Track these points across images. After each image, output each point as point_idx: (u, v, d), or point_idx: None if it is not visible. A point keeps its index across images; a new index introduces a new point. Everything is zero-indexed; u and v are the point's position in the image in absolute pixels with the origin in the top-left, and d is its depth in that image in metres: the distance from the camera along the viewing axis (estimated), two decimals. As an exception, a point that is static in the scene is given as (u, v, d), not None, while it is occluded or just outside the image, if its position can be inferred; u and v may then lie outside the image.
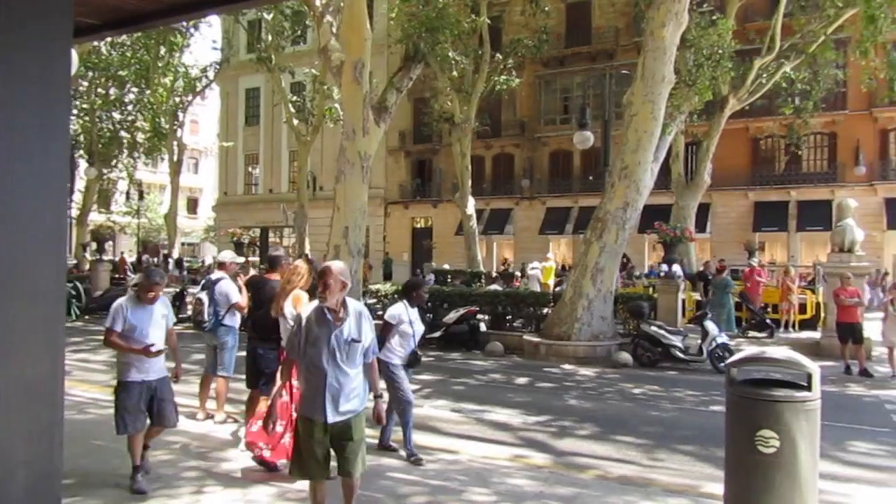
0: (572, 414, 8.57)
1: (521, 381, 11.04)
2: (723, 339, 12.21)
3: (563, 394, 9.97)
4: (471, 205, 25.37)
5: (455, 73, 23.94)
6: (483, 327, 14.63)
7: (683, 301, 16.08)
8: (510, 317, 15.29)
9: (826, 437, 7.24)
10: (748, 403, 4.48)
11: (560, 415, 8.48)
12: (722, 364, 11.06)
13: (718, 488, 4.84)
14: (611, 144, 16.44)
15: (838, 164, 28.63)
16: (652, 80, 12.95)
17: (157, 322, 5.30)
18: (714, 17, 19.98)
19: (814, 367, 4.41)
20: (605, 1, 30.20)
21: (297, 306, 5.53)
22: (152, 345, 5.17)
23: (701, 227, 27.51)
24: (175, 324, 5.68)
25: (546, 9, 24.24)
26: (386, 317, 6.29)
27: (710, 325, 12.36)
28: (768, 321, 16.28)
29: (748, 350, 5.53)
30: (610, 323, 13.62)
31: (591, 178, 30.72)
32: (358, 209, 14.63)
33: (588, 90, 32.13)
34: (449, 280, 23.20)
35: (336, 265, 4.11)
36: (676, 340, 12.36)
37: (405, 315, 6.22)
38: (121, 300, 5.34)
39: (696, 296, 17.76)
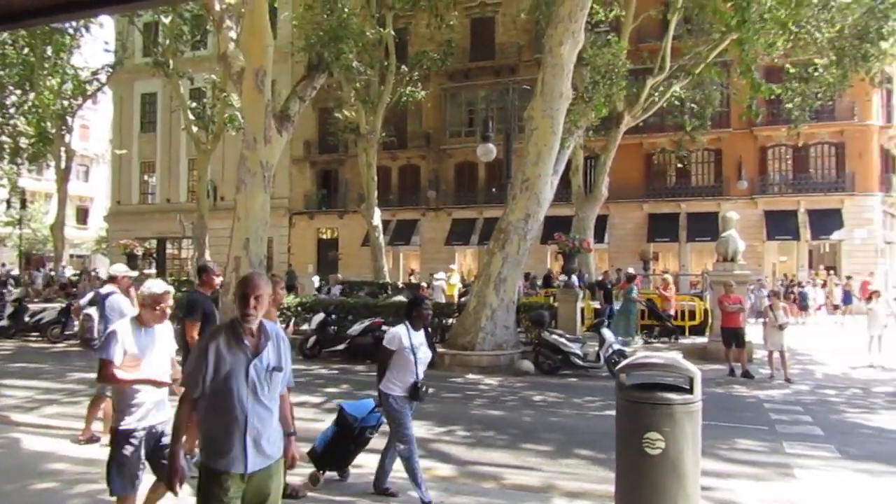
0: (476, 423, 8.67)
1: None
2: (618, 345, 12.70)
3: (468, 403, 10.07)
4: (377, 216, 25.31)
5: (360, 83, 23.87)
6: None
7: (582, 309, 16.65)
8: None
9: (711, 435, 7.68)
10: (636, 407, 4.68)
11: (464, 424, 8.56)
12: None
13: (613, 490, 5.01)
14: (513, 157, 16.83)
15: (723, 178, 30.49)
16: (551, 96, 13.37)
17: (163, 348, 4.41)
18: (609, 38, 20.87)
19: (695, 370, 4.66)
20: (508, 18, 30.90)
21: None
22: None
23: (599, 237, 28.56)
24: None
25: (451, 23, 24.62)
26: (384, 341, 5.57)
27: (607, 333, 12.84)
28: (673, 328, 17.23)
29: (636, 356, 5.78)
30: (513, 332, 13.90)
31: (494, 189, 31.32)
32: (259, 220, 14.27)
33: (492, 104, 32.80)
34: (355, 291, 22.99)
35: (262, 276, 3.49)
36: (576, 348, 12.75)
37: (406, 338, 5.42)
38: (117, 323, 4.46)
39: (596, 304, 18.42)
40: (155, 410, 4.29)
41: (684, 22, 21.11)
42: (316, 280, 26.27)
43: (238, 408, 3.22)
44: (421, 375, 5.43)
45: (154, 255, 37.54)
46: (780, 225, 29.19)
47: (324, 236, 37.81)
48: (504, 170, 17.91)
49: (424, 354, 5.51)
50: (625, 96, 21.78)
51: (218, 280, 6.74)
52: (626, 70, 20.18)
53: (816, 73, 20.00)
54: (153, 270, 29.44)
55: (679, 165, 29.48)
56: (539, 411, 9.57)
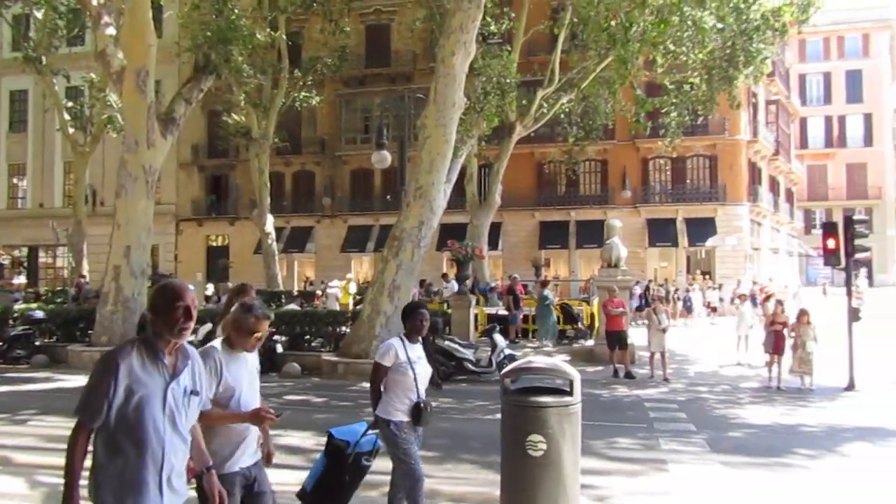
0: (367, 432, 8.62)
1: (318, 401, 10.91)
2: (509, 350, 13.01)
3: (360, 412, 9.98)
4: (270, 222, 24.72)
5: (252, 87, 23.28)
6: (280, 348, 14.27)
7: (476, 315, 16.95)
8: (308, 337, 15.08)
9: (593, 435, 8.01)
10: (519, 410, 4.82)
11: (355, 433, 8.49)
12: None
13: (498, 493, 5.13)
14: (407, 165, 16.93)
15: (609, 188, 31.95)
16: (444, 105, 13.55)
17: (253, 378, 3.75)
18: (501, 50, 21.41)
19: (575, 373, 4.85)
20: (404, 26, 31.10)
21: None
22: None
23: (493, 244, 29.18)
24: None
25: (346, 29, 24.46)
26: (377, 357, 4.85)
27: (499, 338, 13.13)
28: (586, 330, 18.01)
29: (521, 360, 5.95)
30: (407, 339, 13.92)
31: (389, 197, 31.35)
32: (142, 226, 13.63)
33: (388, 111, 32.82)
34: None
35: (185, 285, 2.95)
36: (468, 354, 12.95)
37: (402, 352, 4.73)
38: (208, 349, 3.65)
39: (499, 310, 18.86)
40: (246, 450, 3.65)
41: (572, 37, 21.97)
42: (210, 288, 25.25)
43: (154, 440, 2.70)
44: (423, 395, 4.77)
45: (24, 264, 34.96)
46: (660, 232, 30.92)
47: (214, 243, 36.49)
48: (399, 177, 17.99)
49: (424, 370, 4.83)
50: (516, 107, 22.40)
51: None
52: (517, 81, 20.76)
53: (690, 91, 21.34)
54: (23, 280, 27.37)
55: (568, 175, 30.60)
56: (438, 418, 9.64)
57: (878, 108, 50.38)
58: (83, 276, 23.29)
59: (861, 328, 13.02)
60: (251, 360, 3.73)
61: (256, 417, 3.51)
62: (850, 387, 12.04)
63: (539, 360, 5.51)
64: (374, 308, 13.54)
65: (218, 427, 3.51)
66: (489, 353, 13.17)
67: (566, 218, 31.95)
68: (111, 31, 14.18)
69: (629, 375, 13.00)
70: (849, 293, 13.15)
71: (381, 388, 4.85)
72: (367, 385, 12.27)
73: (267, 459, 3.89)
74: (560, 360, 5.40)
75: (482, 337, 16.09)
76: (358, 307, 17.99)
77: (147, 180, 13.63)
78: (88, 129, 25.75)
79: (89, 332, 14.82)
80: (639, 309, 21.88)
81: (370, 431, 4.83)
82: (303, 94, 25.17)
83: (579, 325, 18.22)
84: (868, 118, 50.26)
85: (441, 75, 13.55)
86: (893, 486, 6.77)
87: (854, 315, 12.66)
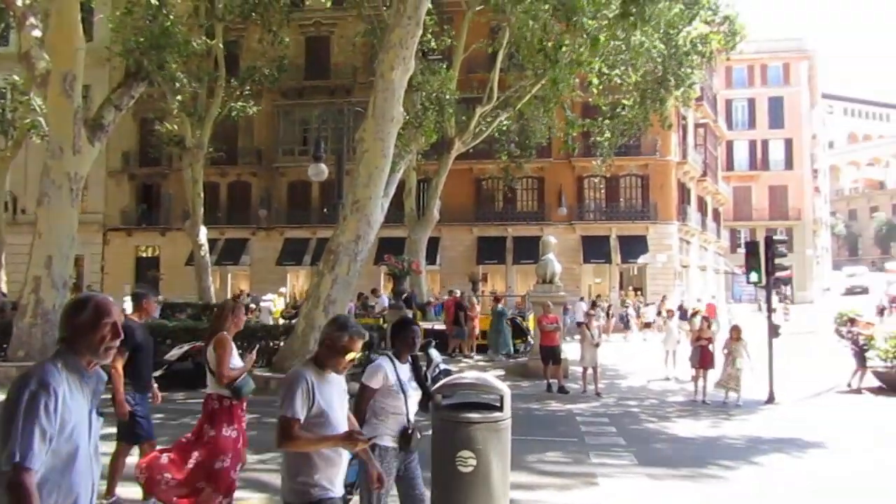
0: (298, 448, 8.47)
1: (249, 417, 10.64)
2: (445, 365, 13.03)
3: (291, 428, 9.83)
4: (203, 234, 24.09)
5: (186, 94, 22.74)
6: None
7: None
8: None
9: (525, 450, 8.10)
10: (450, 427, 4.84)
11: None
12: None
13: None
14: (345, 178, 16.83)
15: (545, 205, 32.54)
16: (382, 119, 13.55)
17: (343, 401, 3.56)
18: (441, 66, 21.61)
19: (505, 389, 4.90)
20: (344, 39, 31.02)
21: (220, 350, 5.18)
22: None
23: (431, 259, 29.23)
24: None
25: (285, 40, 24.22)
26: (364, 378, 4.36)
27: (434, 353, 13.14)
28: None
29: (452, 376, 5.98)
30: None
31: (325, 210, 31.05)
32: (65, 236, 13.10)
33: (327, 123, 32.61)
34: (176, 313, 21.66)
35: (110, 299, 2.63)
36: (404, 368, 12.89)
37: (391, 373, 4.33)
38: (300, 370, 3.45)
39: (436, 325, 18.89)
40: (339, 475, 3.50)
41: (510, 57, 22.36)
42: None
43: (86, 472, 2.39)
44: (412, 419, 4.41)
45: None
46: (594, 249, 31.63)
47: (144, 254, 35.33)
48: (337, 190, 17.85)
49: (414, 392, 4.46)
50: (455, 123, 22.60)
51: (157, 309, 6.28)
52: (456, 98, 20.97)
53: (623, 112, 22.01)
54: (-66, 291, 25.81)
55: (506, 192, 31.00)
56: (364, 433, 9.55)
57: (798, 134, 53.04)
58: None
59: (782, 343, 13.62)
60: (341, 381, 3.57)
61: (349, 440, 3.33)
62: (770, 400, 12.55)
63: (470, 376, 5.54)
64: (308, 323, 13.35)
65: (311, 454, 3.35)
66: (424, 368, 13.16)
67: (503, 234, 32.32)
68: (37, 32, 13.65)
69: (562, 390, 13.20)
70: (769, 310, 13.75)
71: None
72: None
73: (379, 482, 3.84)
74: (491, 376, 5.44)
75: (418, 352, 16.08)
76: (292, 321, 17.73)
77: (72, 188, 13.11)
78: (10, 133, 24.64)
79: (4, 345, 14.09)
80: (580, 324, 22.33)
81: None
82: (240, 103, 24.75)
83: (529, 338, 18.38)
84: (789, 143, 52.82)
85: (380, 89, 13.57)
86: (805, 493, 7.08)
87: (774, 331, 13.23)
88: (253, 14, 22.65)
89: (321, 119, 32.87)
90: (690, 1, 19.78)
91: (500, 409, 4.84)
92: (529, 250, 29.99)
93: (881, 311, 28.93)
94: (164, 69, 18.08)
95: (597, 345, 13.26)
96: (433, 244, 28.91)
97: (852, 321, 16.77)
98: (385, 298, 20.64)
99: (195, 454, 5.14)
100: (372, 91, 14.08)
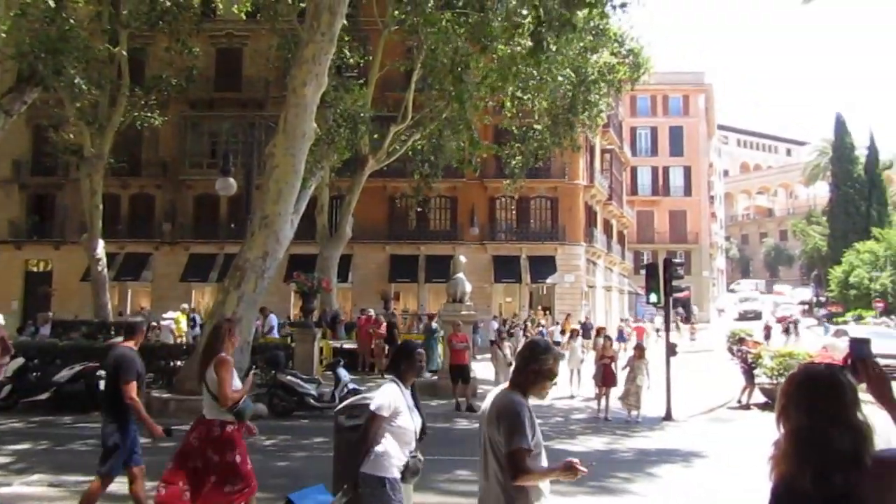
0: (197, 473, 8.13)
1: (145, 441, 10.13)
2: (353, 385, 12.88)
3: (190, 452, 9.43)
4: (100, 247, 22.89)
5: (86, 102, 21.67)
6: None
7: (321, 349, 16.66)
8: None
9: (433, 469, 8.06)
10: (352, 448, 4.77)
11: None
12: (352, 409, 11.69)
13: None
14: (255, 193, 16.46)
15: (458, 224, 32.90)
16: (293, 135, 13.38)
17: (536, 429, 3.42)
18: (355, 83, 21.57)
19: (408, 409, 4.88)
20: (257, 52, 30.51)
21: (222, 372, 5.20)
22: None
23: (343, 276, 28.94)
24: None
25: (195, 50, 23.56)
26: (374, 407, 4.06)
27: (342, 372, 12.97)
28: None
29: (355, 396, 5.91)
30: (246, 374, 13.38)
31: (232, 225, 30.23)
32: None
33: (237, 137, 31.84)
34: (68, 332, 20.43)
35: None
36: (311, 388, 12.67)
37: (402, 401, 4.11)
38: (515, 398, 3.30)
39: (345, 343, 18.64)
40: None
41: (424, 77, 22.60)
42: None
43: None
44: (413, 445, 4.20)
45: None
46: (505, 269, 32.20)
47: (34, 269, 33.24)
48: (245, 205, 17.43)
49: (419, 419, 4.26)
50: (370, 141, 22.58)
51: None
52: (370, 116, 20.96)
53: (533, 135, 22.64)
54: None
55: (419, 210, 31.17)
56: (267, 456, 9.29)
57: (696, 162, 56.11)
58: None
59: (681, 361, 14.26)
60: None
61: (570, 470, 3.15)
62: (668, 417, 13.09)
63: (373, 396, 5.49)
64: (211, 341, 12.90)
65: (528, 489, 3.20)
66: (333, 387, 12.96)
67: (416, 252, 32.42)
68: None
69: (471, 409, 13.29)
70: (667, 329, 14.38)
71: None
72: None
73: None
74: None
75: (326, 371, 15.83)
76: (194, 340, 17.11)
77: (-48, 197, 12.25)
78: None
79: None
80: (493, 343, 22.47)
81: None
82: (144, 113, 23.81)
83: None
84: (688, 170, 55.76)
85: (292, 105, 13.41)
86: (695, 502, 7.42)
87: (671, 350, 13.84)
88: (161, 22, 21.95)
89: (231, 132, 32.05)
90: (598, 32, 20.66)
91: (405, 428, 4.82)
92: (442, 269, 30.16)
93: (768, 332, 30.81)
94: (61, 74, 17.17)
95: (509, 364, 13.43)
96: (345, 262, 28.65)
97: (742, 340, 17.76)
98: (274, 318, 20.16)
99: (211, 479, 5.13)
100: (284, 106, 13.90)
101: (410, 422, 4.12)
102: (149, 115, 24.01)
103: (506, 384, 3.45)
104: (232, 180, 15.87)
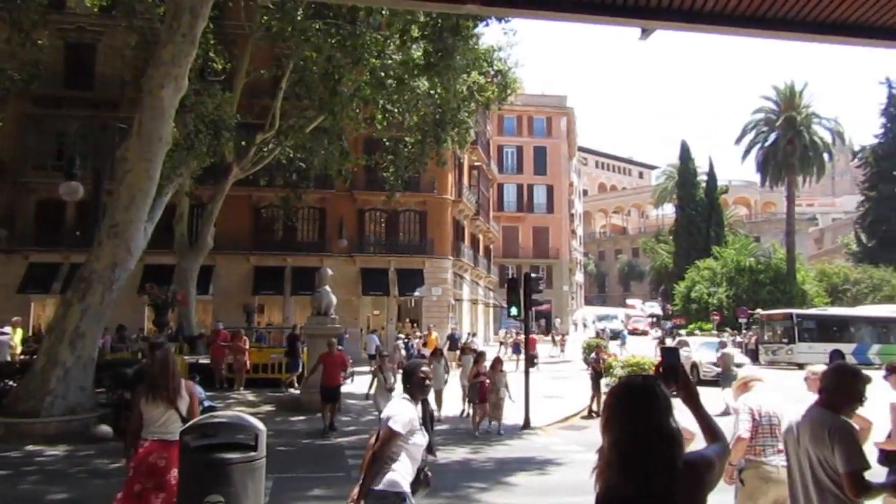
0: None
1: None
2: (209, 402, 12.28)
3: (18, 482, 8.62)
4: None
5: None
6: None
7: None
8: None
9: (290, 487, 7.93)
10: (199, 469, 4.58)
11: (9, 507, 7.29)
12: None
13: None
14: (105, 199, 15.41)
15: (326, 236, 32.44)
16: (149, 139, 12.70)
17: None
18: (220, 89, 20.78)
19: (260, 427, 4.76)
20: (112, 49, 28.64)
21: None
22: None
23: (203, 288, 27.63)
24: None
25: (40, 42, 21.73)
26: (389, 423, 4.11)
27: (197, 389, 12.34)
28: None
29: (204, 416, 5.67)
30: (90, 393, 12.46)
31: (79, 233, 28.08)
32: None
33: (88, 138, 29.62)
34: None
35: None
36: (163, 407, 11.96)
37: (415, 417, 4.22)
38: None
39: (200, 359, 17.77)
40: None
41: (294, 86, 22.18)
42: None
43: None
44: (419, 460, 4.31)
45: None
46: (373, 281, 32.09)
47: None
48: (93, 212, 16.25)
49: (427, 435, 4.36)
50: (234, 148, 21.82)
51: None
52: (235, 123, 20.27)
53: (404, 149, 22.85)
54: None
55: (286, 221, 30.45)
56: (111, 482, 8.65)
57: (558, 181, 58.90)
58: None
59: (543, 371, 14.81)
60: None
61: None
62: (527, 425, 13.55)
63: (222, 415, 5.32)
64: (49, 359, 11.90)
65: None
66: (187, 405, 12.31)
67: (282, 264, 31.59)
68: None
69: (332, 426, 13.05)
70: (527, 342, 14.92)
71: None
72: (33, 448, 10.73)
73: None
74: (246, 414, 5.24)
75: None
76: (31, 357, 15.68)
77: None
78: None
79: None
80: (372, 357, 21.98)
81: None
82: (-23, 108, 21.67)
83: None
84: (550, 189, 58.40)
85: (147, 107, 12.75)
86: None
87: (531, 362, 14.37)
88: (0, 10, 20.08)
89: (81, 133, 29.77)
90: (468, 50, 21.21)
91: (255, 448, 4.68)
92: (308, 281, 29.58)
93: (622, 340, 32.94)
94: None
95: (390, 389, 12.41)
96: (206, 273, 27.42)
97: (598, 349, 18.71)
98: (108, 338, 18.76)
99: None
100: (139, 108, 13.15)
101: (423, 437, 4.27)
102: (-17, 110, 21.88)
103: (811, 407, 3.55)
104: (78, 184, 14.70)
